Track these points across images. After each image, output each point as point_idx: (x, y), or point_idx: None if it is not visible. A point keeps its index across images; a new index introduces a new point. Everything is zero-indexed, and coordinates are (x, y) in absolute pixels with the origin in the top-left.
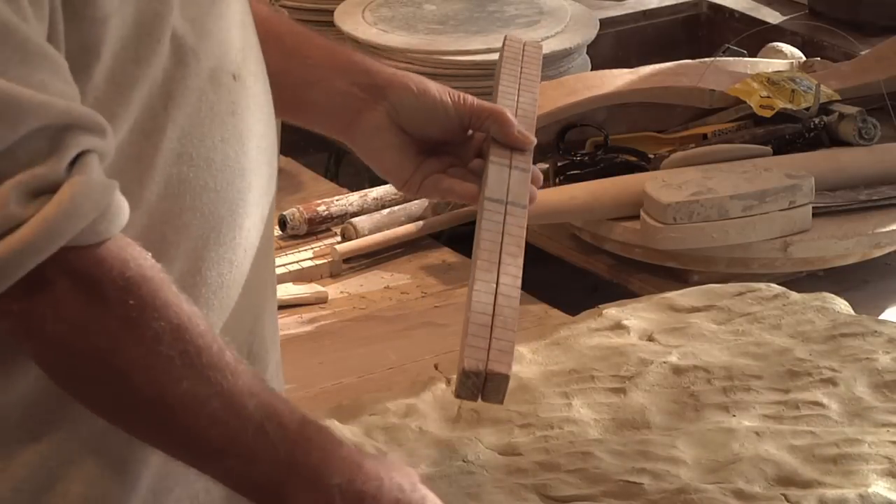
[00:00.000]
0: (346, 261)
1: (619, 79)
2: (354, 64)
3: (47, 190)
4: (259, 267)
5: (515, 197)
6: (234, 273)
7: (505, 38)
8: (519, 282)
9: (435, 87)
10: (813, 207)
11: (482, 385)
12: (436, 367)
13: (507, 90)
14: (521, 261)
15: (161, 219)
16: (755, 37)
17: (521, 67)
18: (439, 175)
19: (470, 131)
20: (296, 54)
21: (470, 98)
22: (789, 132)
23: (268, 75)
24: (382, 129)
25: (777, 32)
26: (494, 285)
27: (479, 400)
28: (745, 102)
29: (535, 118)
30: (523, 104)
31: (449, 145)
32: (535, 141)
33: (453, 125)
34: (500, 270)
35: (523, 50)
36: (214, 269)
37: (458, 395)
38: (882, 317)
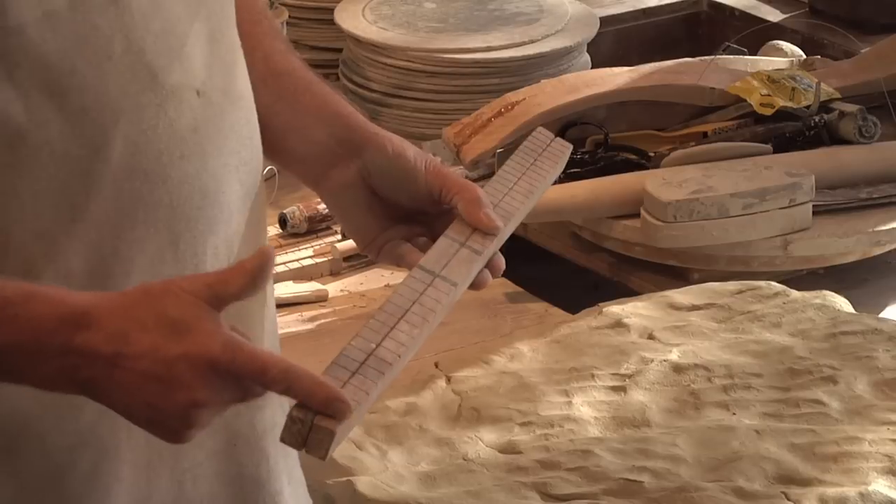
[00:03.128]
0: (346, 259)
1: (619, 77)
2: (340, 117)
3: None
4: None
5: (449, 273)
6: None
7: (536, 129)
8: (404, 350)
9: (413, 153)
10: (813, 205)
11: (306, 434)
12: (436, 365)
13: (505, 175)
14: (419, 332)
15: (112, 233)
16: (755, 35)
17: (536, 160)
18: (399, 241)
19: (446, 205)
20: (288, 97)
21: (446, 170)
22: (790, 130)
23: (259, 114)
24: (352, 186)
25: (777, 30)
26: (374, 345)
27: (303, 450)
28: (745, 100)
29: (522, 211)
30: (516, 191)
31: (424, 216)
32: (500, 227)
33: (422, 193)
34: (388, 334)
35: (548, 144)
36: None
37: (281, 439)
38: (882, 315)
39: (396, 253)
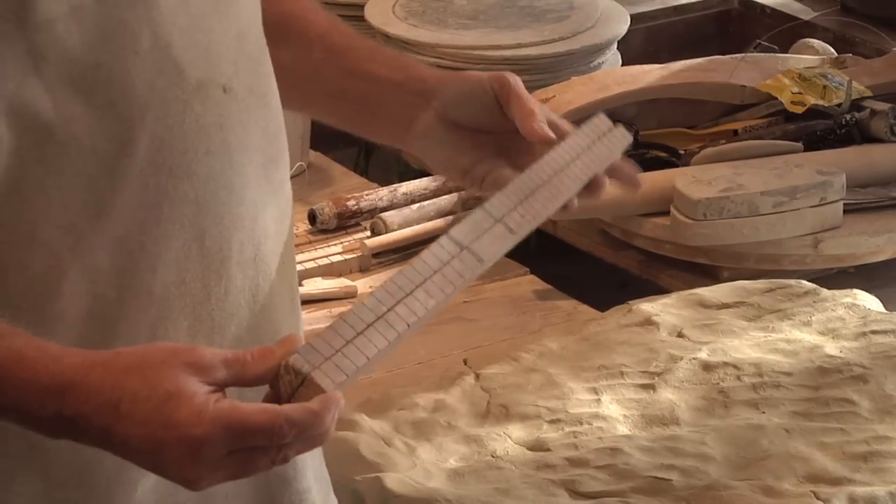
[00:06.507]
0: (375, 255)
1: (649, 74)
2: (410, 77)
3: None
4: (272, 283)
5: (478, 247)
6: (224, 286)
7: (596, 115)
8: (414, 320)
9: (476, 74)
10: (844, 204)
11: (296, 388)
12: (465, 362)
13: (559, 156)
14: (434, 304)
15: (139, 228)
16: (786, 32)
17: (593, 145)
18: (496, 166)
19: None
20: (356, 72)
21: (509, 76)
22: (820, 128)
23: (330, 94)
24: (433, 127)
25: (808, 28)
26: (385, 308)
27: (288, 402)
28: (776, 98)
29: (568, 194)
30: (567, 174)
31: (510, 141)
32: (551, 138)
33: (493, 106)
34: (403, 299)
35: (607, 132)
36: (200, 282)
37: (270, 385)
38: None
39: (493, 176)
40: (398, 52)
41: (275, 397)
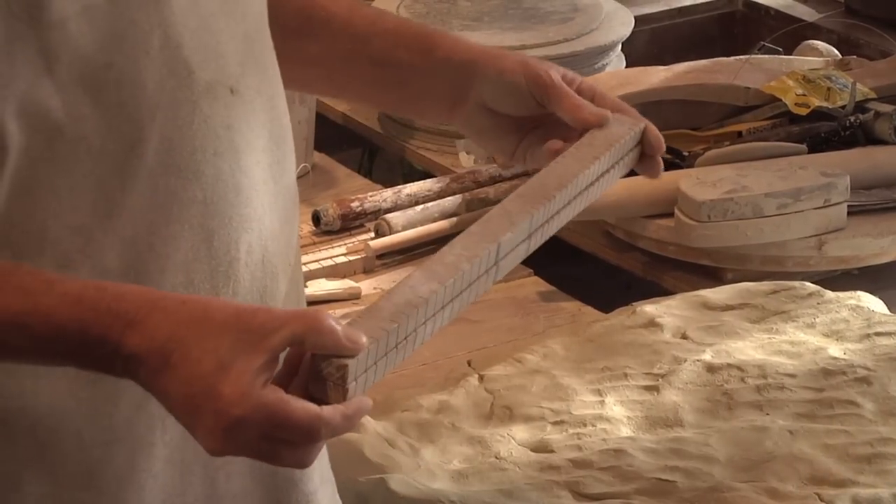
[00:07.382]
0: (379, 257)
1: (653, 76)
2: (439, 62)
3: None
4: (280, 284)
5: (503, 266)
6: (233, 287)
7: (638, 126)
8: (427, 339)
9: (511, 66)
10: (848, 206)
11: (331, 385)
12: (468, 363)
13: (593, 172)
14: (447, 323)
15: (148, 229)
16: (791, 34)
17: (621, 159)
18: (537, 145)
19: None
20: (384, 60)
21: (545, 75)
22: (825, 130)
23: (364, 82)
24: (475, 115)
25: (813, 30)
26: (423, 320)
27: (315, 376)
28: (780, 100)
29: (581, 208)
30: (590, 191)
31: (550, 117)
32: (607, 117)
33: (531, 103)
34: (435, 315)
35: (636, 145)
36: (208, 283)
37: (315, 359)
38: None
39: (536, 157)
40: (420, 29)
41: (292, 371)
